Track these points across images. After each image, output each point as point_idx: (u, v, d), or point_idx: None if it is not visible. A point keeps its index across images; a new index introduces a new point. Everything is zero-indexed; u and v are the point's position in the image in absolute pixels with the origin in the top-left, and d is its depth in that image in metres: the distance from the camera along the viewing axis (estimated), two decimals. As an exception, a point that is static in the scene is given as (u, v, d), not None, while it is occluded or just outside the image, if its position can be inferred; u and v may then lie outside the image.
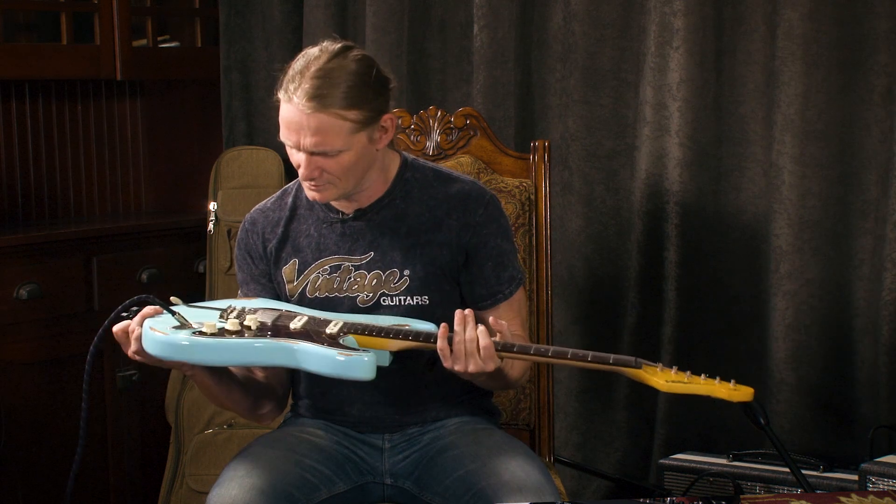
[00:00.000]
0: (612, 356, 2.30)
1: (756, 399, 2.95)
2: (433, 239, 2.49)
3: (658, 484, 3.19)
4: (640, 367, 2.28)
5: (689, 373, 2.25)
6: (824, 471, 3.03)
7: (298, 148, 2.38)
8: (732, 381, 2.22)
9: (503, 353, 2.32)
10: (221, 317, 2.41)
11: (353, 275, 2.49)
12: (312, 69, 2.36)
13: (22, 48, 3.72)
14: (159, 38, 3.98)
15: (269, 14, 3.92)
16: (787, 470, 2.95)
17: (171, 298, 2.42)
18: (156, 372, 3.70)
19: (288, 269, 2.54)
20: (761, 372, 3.27)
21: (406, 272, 2.48)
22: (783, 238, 3.18)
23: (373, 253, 2.49)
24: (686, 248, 3.32)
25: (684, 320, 3.33)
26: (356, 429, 2.52)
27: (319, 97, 2.34)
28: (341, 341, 2.34)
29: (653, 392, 3.39)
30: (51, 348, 3.50)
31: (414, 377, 2.47)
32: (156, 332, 2.33)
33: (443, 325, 2.33)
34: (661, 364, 2.28)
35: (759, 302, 3.27)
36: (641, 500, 2.33)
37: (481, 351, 2.30)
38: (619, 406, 3.45)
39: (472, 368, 2.31)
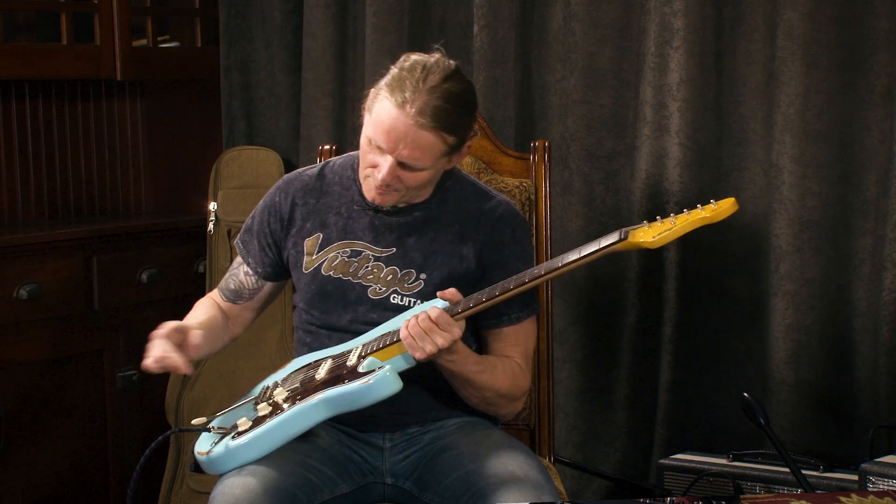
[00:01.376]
0: (598, 241, 2.32)
1: (756, 399, 2.97)
2: (456, 251, 2.50)
3: (658, 484, 3.19)
4: (627, 238, 2.28)
5: (672, 216, 2.28)
6: (824, 471, 3.03)
7: (391, 153, 2.38)
8: (712, 200, 2.26)
9: (460, 313, 2.35)
10: (256, 404, 2.45)
11: (370, 264, 2.51)
12: (431, 83, 2.36)
13: (22, 48, 3.72)
14: (159, 38, 3.98)
15: (269, 14, 3.92)
16: (787, 470, 2.95)
17: (194, 421, 2.48)
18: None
19: (311, 242, 2.55)
20: (761, 372, 3.27)
21: (422, 276, 2.49)
22: (783, 238, 3.18)
23: (395, 249, 2.51)
24: (686, 248, 3.31)
25: (684, 320, 3.33)
26: (357, 428, 2.52)
27: (434, 116, 2.35)
28: (361, 368, 2.37)
29: (653, 392, 3.40)
30: (51, 348, 3.50)
31: (414, 377, 2.47)
32: (201, 454, 2.41)
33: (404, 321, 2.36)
34: (645, 221, 2.29)
35: (759, 302, 3.27)
36: (641, 500, 2.33)
37: (437, 322, 2.32)
38: (619, 406, 3.45)
39: (440, 342, 2.32)
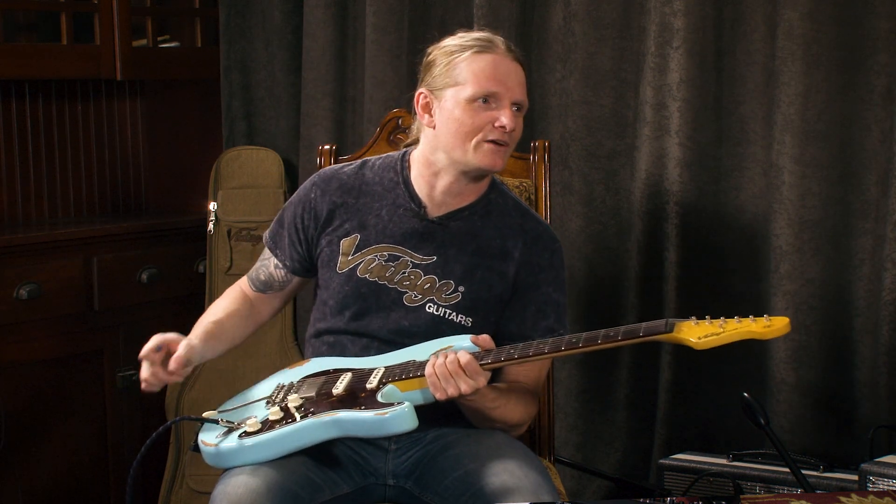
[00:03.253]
0: (641, 326, 2.28)
1: (756, 399, 2.97)
2: (495, 266, 2.50)
3: (658, 484, 3.19)
4: (671, 331, 2.25)
5: (722, 319, 2.22)
6: (824, 471, 3.03)
7: (507, 95, 2.42)
8: (766, 315, 2.20)
9: (489, 364, 2.32)
10: (268, 403, 2.44)
11: (408, 270, 2.49)
12: (491, 33, 2.48)
13: (22, 48, 3.72)
14: (159, 38, 3.98)
15: (269, 14, 3.92)
16: (787, 470, 2.95)
17: (205, 414, 2.47)
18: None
19: (347, 243, 2.53)
20: (761, 372, 3.27)
21: (461, 288, 2.48)
22: (783, 238, 3.18)
23: (436, 257, 2.49)
24: (686, 248, 3.31)
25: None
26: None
27: (517, 52, 2.46)
28: (380, 397, 2.35)
29: (653, 392, 3.40)
30: (51, 348, 3.50)
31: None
32: (206, 444, 2.39)
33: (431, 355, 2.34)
34: (693, 318, 2.25)
35: (759, 302, 3.27)
36: (641, 500, 2.33)
37: (465, 369, 2.30)
38: (619, 406, 3.45)
39: (464, 388, 2.30)
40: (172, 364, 2.41)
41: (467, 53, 2.43)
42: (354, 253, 2.52)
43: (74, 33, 3.70)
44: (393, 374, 2.39)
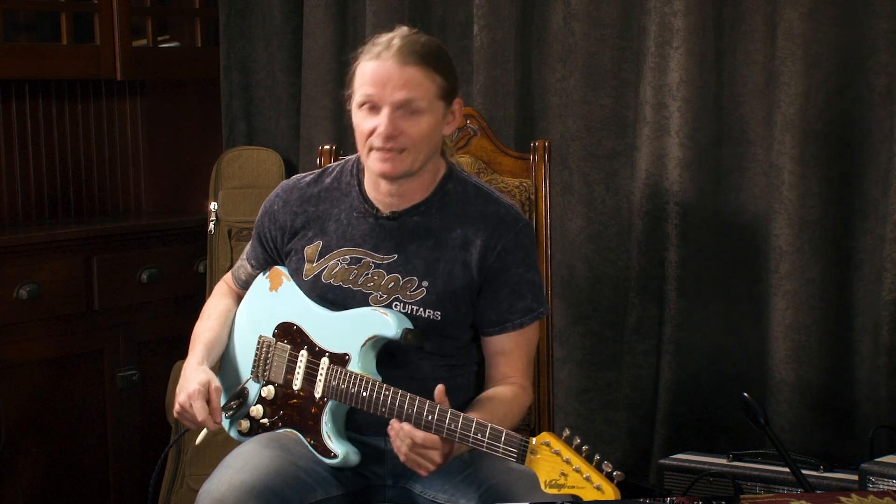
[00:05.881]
0: (501, 443, 2.25)
1: (756, 399, 2.97)
2: (458, 257, 2.48)
3: (658, 484, 3.19)
4: (522, 461, 2.23)
5: (577, 463, 2.20)
6: (824, 471, 3.03)
7: (385, 101, 2.38)
8: (607, 483, 2.18)
9: (452, 431, 2.29)
10: (254, 377, 2.58)
11: (371, 271, 2.49)
12: (401, 34, 2.42)
13: (22, 48, 3.72)
14: (159, 38, 3.98)
15: (269, 14, 3.92)
16: (787, 470, 2.95)
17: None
18: (156, 372, 3.71)
19: (311, 250, 2.54)
20: (761, 372, 3.27)
21: (424, 283, 2.47)
22: (783, 238, 3.18)
23: (396, 255, 2.49)
24: (686, 248, 3.31)
25: (684, 320, 3.33)
26: (358, 431, 2.51)
27: (413, 53, 2.39)
28: (325, 435, 2.48)
29: (653, 392, 3.40)
30: (51, 348, 3.50)
31: (415, 379, 2.47)
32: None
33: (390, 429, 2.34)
34: (559, 444, 2.22)
35: (759, 302, 3.27)
36: (641, 500, 2.33)
37: (425, 445, 2.29)
38: (619, 406, 3.45)
39: (439, 459, 2.29)
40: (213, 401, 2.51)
41: (360, 60, 2.43)
42: (318, 259, 2.53)
43: (74, 33, 3.70)
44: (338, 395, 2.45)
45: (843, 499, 2.23)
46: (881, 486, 2.79)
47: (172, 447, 3.69)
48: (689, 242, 3.32)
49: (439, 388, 2.32)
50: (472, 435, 2.26)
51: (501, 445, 2.24)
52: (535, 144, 2.99)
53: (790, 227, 3.17)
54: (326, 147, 3.06)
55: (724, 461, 3.13)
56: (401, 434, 2.31)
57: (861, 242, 3.17)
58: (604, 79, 3.42)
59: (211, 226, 3.80)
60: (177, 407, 2.50)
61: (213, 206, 3.81)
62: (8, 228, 3.67)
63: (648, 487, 3.30)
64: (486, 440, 2.25)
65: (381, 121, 2.39)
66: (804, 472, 2.93)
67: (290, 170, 3.88)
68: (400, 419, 2.32)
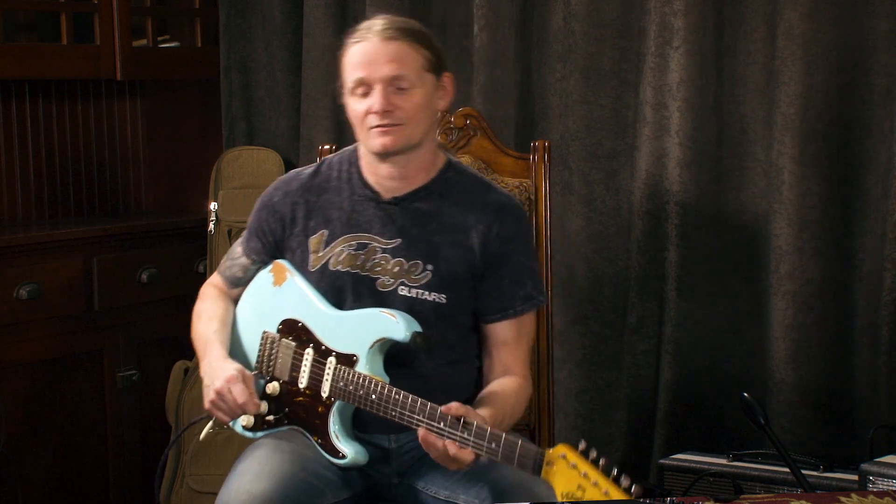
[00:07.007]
0: (517, 452, 2.25)
1: (756, 399, 2.97)
2: (459, 241, 2.49)
3: (658, 484, 3.19)
4: (538, 472, 2.23)
5: (593, 476, 2.20)
6: (824, 471, 3.03)
7: (376, 79, 2.42)
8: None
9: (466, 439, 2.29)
10: (258, 372, 2.58)
11: (378, 256, 2.50)
12: (382, 17, 2.49)
13: (22, 48, 3.72)
14: (159, 38, 3.98)
15: (269, 14, 3.92)
16: (787, 470, 2.95)
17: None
18: (156, 372, 3.71)
19: (315, 240, 2.54)
20: (761, 372, 3.27)
21: (429, 267, 2.48)
22: (783, 238, 3.18)
23: (400, 240, 2.50)
24: (686, 247, 3.31)
25: (684, 320, 3.33)
26: (362, 430, 2.51)
27: (395, 30, 2.45)
28: (332, 433, 2.46)
29: (653, 392, 3.40)
30: (51, 348, 3.50)
31: (419, 377, 2.47)
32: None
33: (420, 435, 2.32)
34: (574, 454, 2.22)
35: (759, 302, 3.27)
36: (641, 500, 2.33)
37: (458, 456, 2.29)
38: (619, 406, 3.45)
39: (469, 458, 2.29)
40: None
41: (346, 48, 2.49)
42: (324, 248, 2.53)
43: (74, 33, 3.70)
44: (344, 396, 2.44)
45: (843, 499, 2.23)
46: (881, 486, 2.78)
47: (172, 447, 3.69)
48: (689, 242, 3.32)
49: (453, 407, 2.30)
50: (485, 444, 2.25)
51: (517, 457, 2.23)
52: (535, 144, 2.99)
53: (790, 227, 3.17)
54: (326, 147, 3.06)
55: (724, 461, 3.13)
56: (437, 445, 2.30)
57: (861, 242, 3.17)
58: (604, 79, 3.42)
59: (211, 226, 3.80)
60: (212, 395, 2.49)
61: (213, 206, 3.81)
62: (8, 228, 3.67)
63: (648, 487, 3.31)
64: (500, 450, 2.25)
65: (374, 99, 2.43)
66: (804, 472, 2.93)
67: (290, 170, 3.87)
68: (411, 425, 2.32)
